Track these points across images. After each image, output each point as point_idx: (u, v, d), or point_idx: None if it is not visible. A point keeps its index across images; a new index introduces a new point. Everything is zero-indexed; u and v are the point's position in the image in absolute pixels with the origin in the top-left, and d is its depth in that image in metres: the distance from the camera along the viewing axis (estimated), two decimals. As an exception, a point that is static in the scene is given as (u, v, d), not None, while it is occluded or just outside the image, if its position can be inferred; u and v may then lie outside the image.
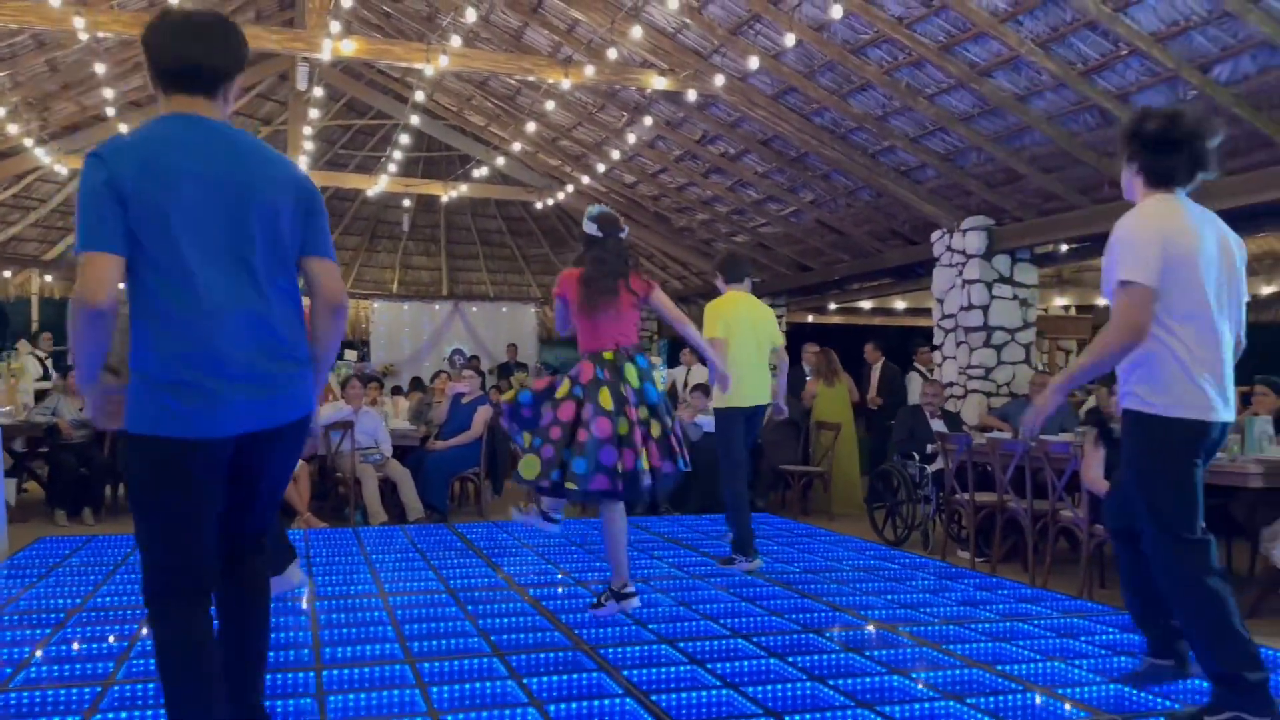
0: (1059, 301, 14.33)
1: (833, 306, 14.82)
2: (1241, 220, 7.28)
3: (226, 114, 2.46)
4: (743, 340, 5.60)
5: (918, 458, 7.50)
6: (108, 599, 4.76)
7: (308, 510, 7.56)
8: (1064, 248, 9.20)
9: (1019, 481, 5.97)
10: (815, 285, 12.45)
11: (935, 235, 9.35)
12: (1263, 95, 5.93)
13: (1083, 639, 4.21)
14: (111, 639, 4.04)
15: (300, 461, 7.62)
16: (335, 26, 7.44)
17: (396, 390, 12.64)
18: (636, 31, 7.64)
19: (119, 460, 7.33)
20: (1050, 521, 5.77)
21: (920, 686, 3.50)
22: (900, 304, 15.34)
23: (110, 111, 10.18)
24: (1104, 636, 4.27)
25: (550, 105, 9.56)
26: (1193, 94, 6.10)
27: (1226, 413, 3.05)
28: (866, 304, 15.05)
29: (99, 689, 3.36)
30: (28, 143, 10.46)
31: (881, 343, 10.57)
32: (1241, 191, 6.50)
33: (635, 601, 4.37)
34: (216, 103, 2.41)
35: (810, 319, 15.34)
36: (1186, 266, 2.99)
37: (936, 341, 9.48)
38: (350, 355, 13.86)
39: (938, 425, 7.62)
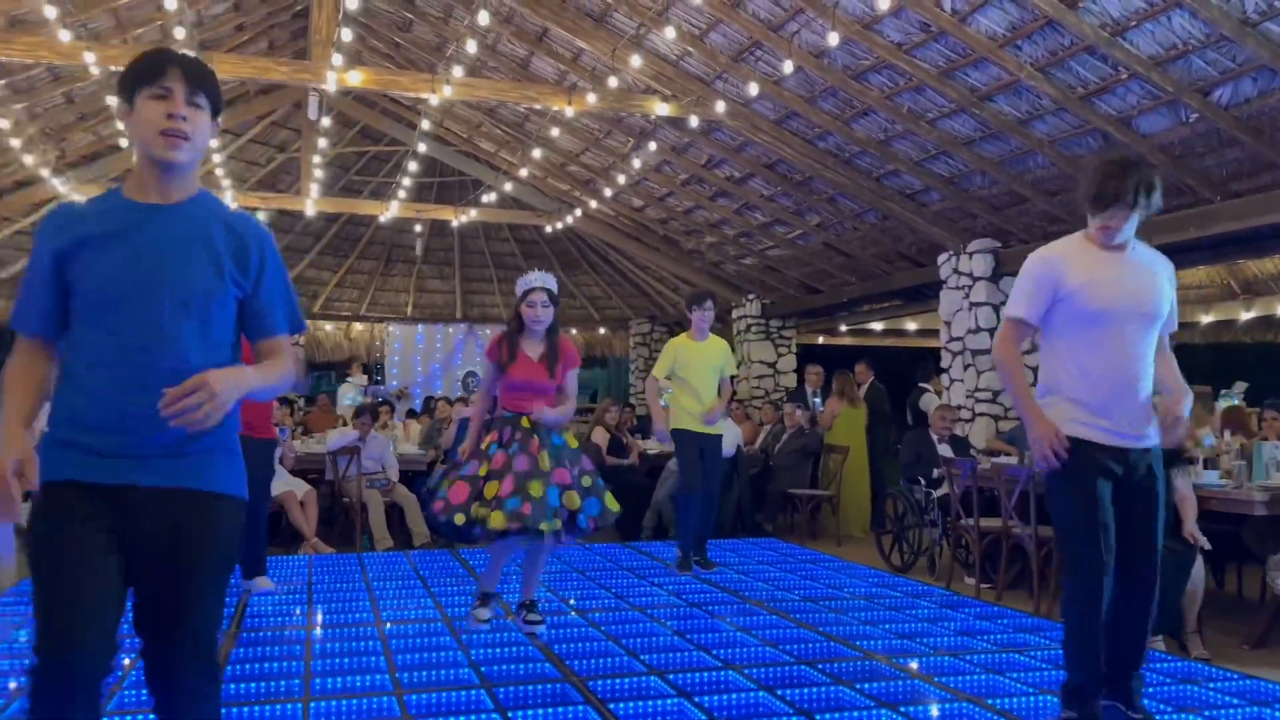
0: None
1: (844, 328, 14.77)
2: (1244, 243, 7.29)
3: None
4: None
5: (924, 482, 7.45)
6: None
7: (314, 536, 7.58)
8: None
9: (1024, 507, 5.91)
10: (824, 307, 12.42)
11: (941, 258, 9.32)
12: (1264, 118, 5.89)
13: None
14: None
15: (308, 487, 7.74)
16: (338, 59, 7.52)
17: (411, 414, 12.69)
18: (636, 60, 7.69)
19: None
20: (1055, 548, 5.71)
21: (908, 721, 3.47)
22: (911, 325, 15.26)
23: (124, 142, 10.31)
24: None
25: (555, 132, 9.63)
26: (1194, 117, 6.07)
27: None
28: (878, 325, 14.98)
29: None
30: (44, 173, 10.61)
31: (891, 366, 10.51)
32: (1245, 214, 6.46)
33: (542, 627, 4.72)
34: None
35: (821, 340, 15.30)
36: None
37: (944, 364, 9.43)
38: (362, 378, 13.91)
39: (945, 450, 7.57)
